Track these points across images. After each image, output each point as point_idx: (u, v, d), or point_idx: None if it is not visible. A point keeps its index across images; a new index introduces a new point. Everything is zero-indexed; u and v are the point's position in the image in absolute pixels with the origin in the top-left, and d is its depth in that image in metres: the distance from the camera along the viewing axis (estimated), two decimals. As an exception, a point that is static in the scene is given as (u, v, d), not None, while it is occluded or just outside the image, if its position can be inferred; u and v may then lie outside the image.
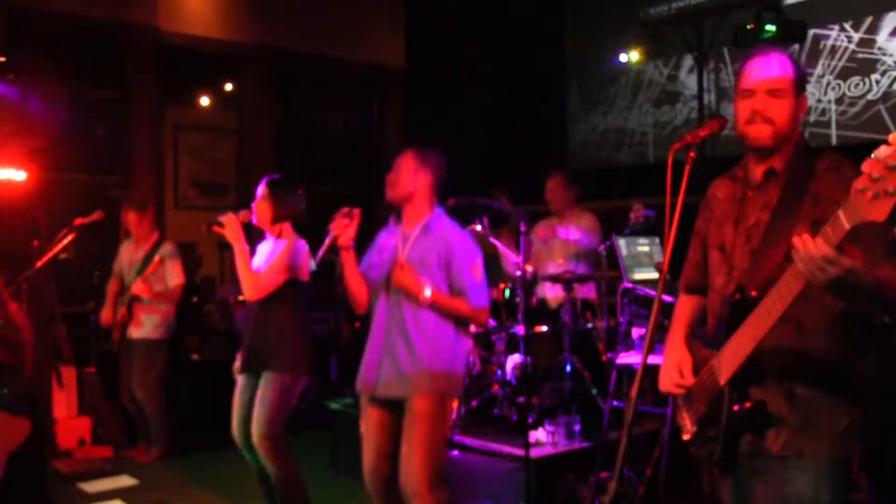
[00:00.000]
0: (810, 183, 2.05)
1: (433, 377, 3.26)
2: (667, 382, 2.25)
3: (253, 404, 3.83)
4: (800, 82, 2.16)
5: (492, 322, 5.15)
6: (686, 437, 2.26)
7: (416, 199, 3.37)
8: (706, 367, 2.15)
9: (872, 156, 1.56)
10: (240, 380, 3.97)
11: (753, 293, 2.00)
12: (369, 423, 3.41)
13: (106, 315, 5.60)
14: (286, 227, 3.96)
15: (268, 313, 3.87)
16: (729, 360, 2.04)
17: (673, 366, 2.25)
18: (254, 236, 4.03)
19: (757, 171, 2.18)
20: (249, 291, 3.82)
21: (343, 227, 3.25)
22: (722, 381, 2.06)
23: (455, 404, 3.37)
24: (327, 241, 3.26)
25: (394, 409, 3.33)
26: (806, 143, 2.18)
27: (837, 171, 2.04)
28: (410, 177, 3.35)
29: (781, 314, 1.85)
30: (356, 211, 3.28)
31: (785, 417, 2.03)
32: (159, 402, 5.50)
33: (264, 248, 4.02)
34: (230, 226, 3.82)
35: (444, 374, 3.29)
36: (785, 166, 2.12)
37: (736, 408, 2.04)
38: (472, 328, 4.78)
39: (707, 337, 2.23)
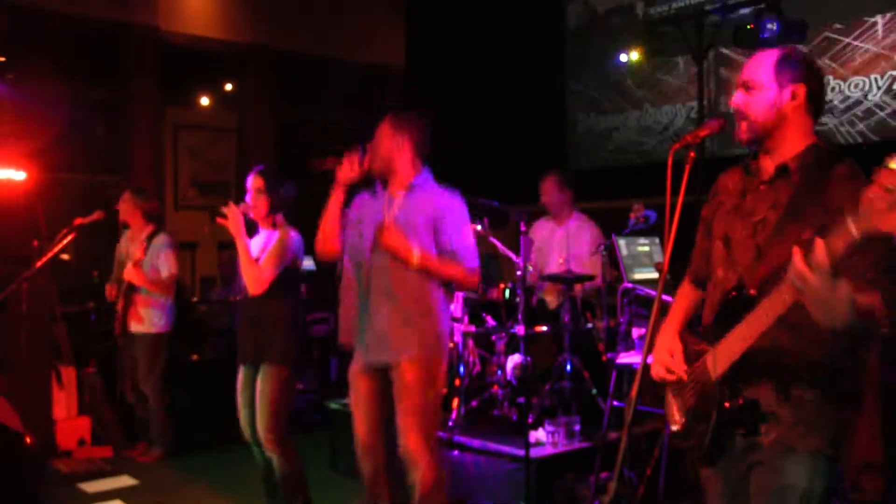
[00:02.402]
0: (824, 188, 1.99)
1: (421, 340, 3.22)
2: (659, 368, 2.24)
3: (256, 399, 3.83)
4: (784, 71, 2.08)
5: (492, 322, 5.16)
6: (674, 427, 2.25)
7: (398, 164, 3.32)
8: (699, 361, 2.14)
9: (891, 166, 1.52)
10: (240, 373, 3.95)
11: (752, 291, 1.99)
12: (358, 395, 3.35)
13: (110, 288, 5.56)
14: (279, 217, 3.96)
15: (261, 305, 3.86)
16: (723, 356, 2.03)
17: (665, 351, 2.24)
18: (252, 229, 4.03)
19: (769, 166, 2.14)
20: (253, 286, 3.81)
21: (349, 164, 3.28)
22: (714, 377, 2.06)
23: (445, 368, 3.32)
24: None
25: (383, 376, 3.28)
26: (824, 145, 2.11)
27: (851, 180, 1.96)
28: (387, 142, 3.33)
29: (778, 317, 1.85)
30: (367, 159, 3.30)
31: (777, 413, 2.02)
32: (163, 396, 5.50)
33: (258, 241, 4.00)
34: (234, 219, 3.81)
35: (433, 337, 3.25)
36: (799, 166, 2.07)
37: (727, 405, 2.03)
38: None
39: (701, 330, 2.22)
